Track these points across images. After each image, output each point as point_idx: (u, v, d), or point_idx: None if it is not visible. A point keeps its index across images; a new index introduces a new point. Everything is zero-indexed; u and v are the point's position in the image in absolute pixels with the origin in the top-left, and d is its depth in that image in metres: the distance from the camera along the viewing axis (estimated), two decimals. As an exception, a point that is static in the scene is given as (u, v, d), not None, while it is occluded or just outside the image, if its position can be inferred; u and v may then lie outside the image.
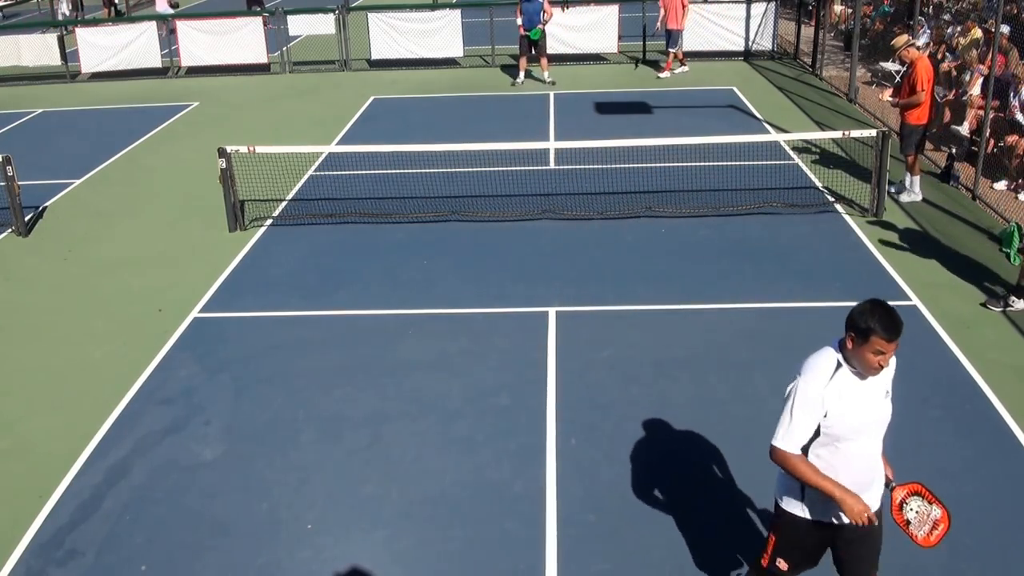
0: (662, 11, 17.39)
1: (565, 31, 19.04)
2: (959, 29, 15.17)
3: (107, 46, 19.39)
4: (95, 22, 22.44)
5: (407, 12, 19.30)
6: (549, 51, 17.89)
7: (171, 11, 23.09)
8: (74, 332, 8.49)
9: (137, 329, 8.43)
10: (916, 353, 7.49)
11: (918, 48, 10.91)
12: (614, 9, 19.01)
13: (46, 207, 11.83)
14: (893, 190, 10.83)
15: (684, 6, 17.23)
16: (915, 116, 10.55)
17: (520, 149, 12.32)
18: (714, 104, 15.43)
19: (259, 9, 22.39)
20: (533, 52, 17.40)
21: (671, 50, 17.54)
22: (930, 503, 4.11)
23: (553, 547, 5.53)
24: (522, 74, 17.56)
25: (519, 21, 17.17)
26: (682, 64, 17.92)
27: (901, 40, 10.82)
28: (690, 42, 18.92)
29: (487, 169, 12.12)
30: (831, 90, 16.16)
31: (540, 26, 17.04)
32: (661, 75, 17.57)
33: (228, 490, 6.16)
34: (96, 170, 13.32)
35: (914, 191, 10.77)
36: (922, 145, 10.83)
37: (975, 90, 12.61)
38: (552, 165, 12.49)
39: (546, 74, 17.52)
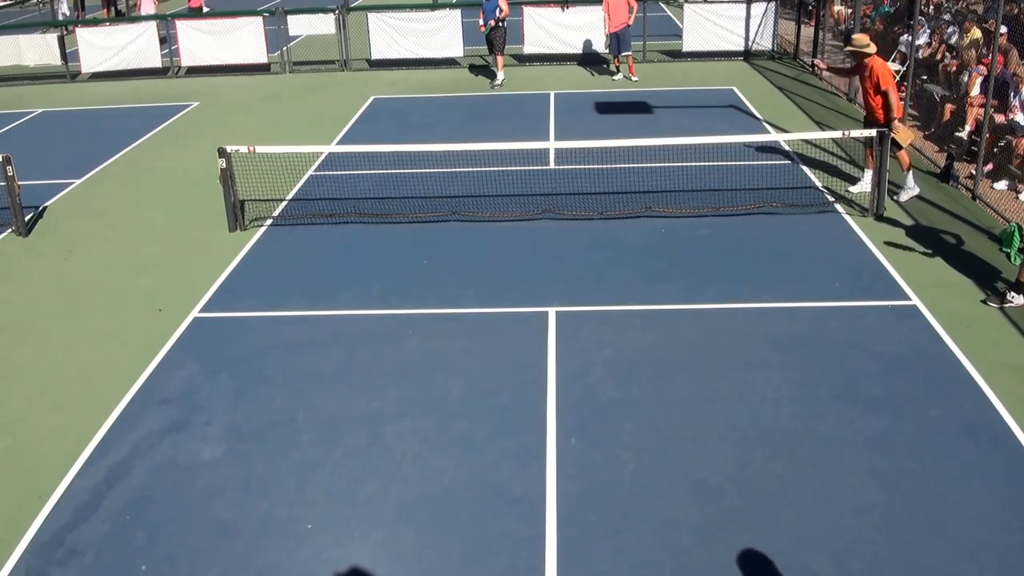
0: (605, 15, 16.99)
1: (565, 31, 19.04)
2: (958, 30, 15.16)
3: (107, 46, 19.40)
4: (95, 22, 22.44)
5: (407, 12, 19.29)
6: (549, 51, 17.85)
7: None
8: (74, 332, 8.49)
9: (137, 329, 8.43)
10: (916, 353, 7.50)
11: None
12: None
13: (46, 207, 11.83)
14: (898, 198, 10.77)
15: (631, 5, 16.87)
16: (886, 116, 10.47)
17: (520, 149, 12.32)
18: (714, 104, 15.42)
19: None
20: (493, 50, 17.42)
21: (625, 53, 17.16)
22: None
23: (553, 547, 5.53)
24: (500, 75, 17.46)
25: (480, 22, 17.20)
26: (618, 71, 17.59)
27: (863, 39, 10.73)
28: (690, 42, 18.96)
29: (487, 169, 12.11)
30: (831, 90, 16.15)
31: (492, 21, 16.90)
32: (633, 78, 17.34)
33: (228, 490, 6.16)
34: (96, 170, 13.32)
35: (910, 185, 10.75)
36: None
37: (974, 90, 12.61)
38: (552, 165, 12.49)
39: (500, 74, 17.38)
